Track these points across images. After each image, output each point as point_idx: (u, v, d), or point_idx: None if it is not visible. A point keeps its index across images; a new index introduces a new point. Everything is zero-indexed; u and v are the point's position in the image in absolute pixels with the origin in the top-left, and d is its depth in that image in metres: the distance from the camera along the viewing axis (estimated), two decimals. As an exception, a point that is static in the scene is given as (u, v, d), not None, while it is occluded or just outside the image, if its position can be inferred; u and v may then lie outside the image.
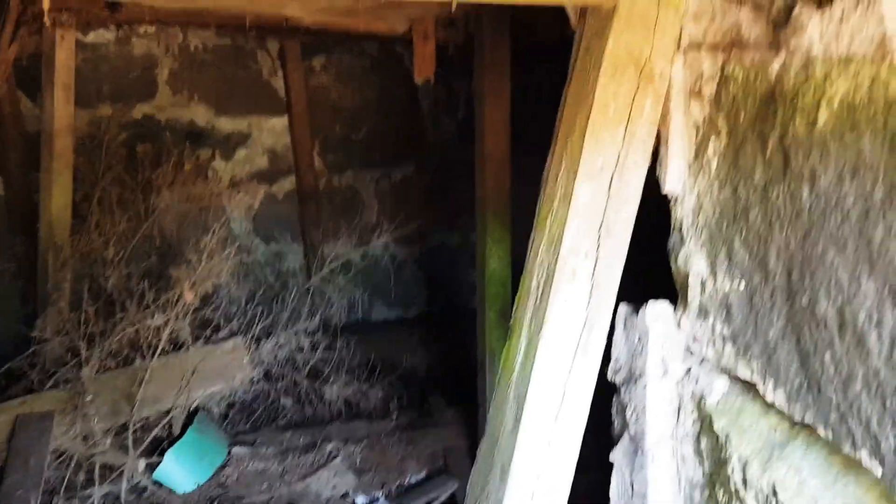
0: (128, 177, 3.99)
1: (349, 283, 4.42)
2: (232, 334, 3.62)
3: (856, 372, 1.22)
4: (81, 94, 4.39)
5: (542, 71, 3.78)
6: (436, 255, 5.54)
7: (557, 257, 1.56)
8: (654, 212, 1.70)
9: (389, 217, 5.02)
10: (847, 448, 1.24)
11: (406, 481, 3.52)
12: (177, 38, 4.71)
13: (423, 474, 3.56)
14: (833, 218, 1.26)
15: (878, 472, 1.18)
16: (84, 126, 4.29)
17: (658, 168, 1.65)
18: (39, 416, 3.23)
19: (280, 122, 5.05)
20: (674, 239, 1.65)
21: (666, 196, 1.66)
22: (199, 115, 4.83)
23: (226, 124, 4.92)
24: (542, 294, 1.61)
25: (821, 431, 1.29)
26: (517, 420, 1.60)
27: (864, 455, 1.21)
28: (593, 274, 1.60)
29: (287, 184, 5.11)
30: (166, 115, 4.72)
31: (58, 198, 3.51)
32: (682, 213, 1.62)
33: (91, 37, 4.49)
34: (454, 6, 1.52)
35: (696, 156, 1.57)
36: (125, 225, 3.62)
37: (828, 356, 1.28)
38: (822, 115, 1.28)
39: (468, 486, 1.79)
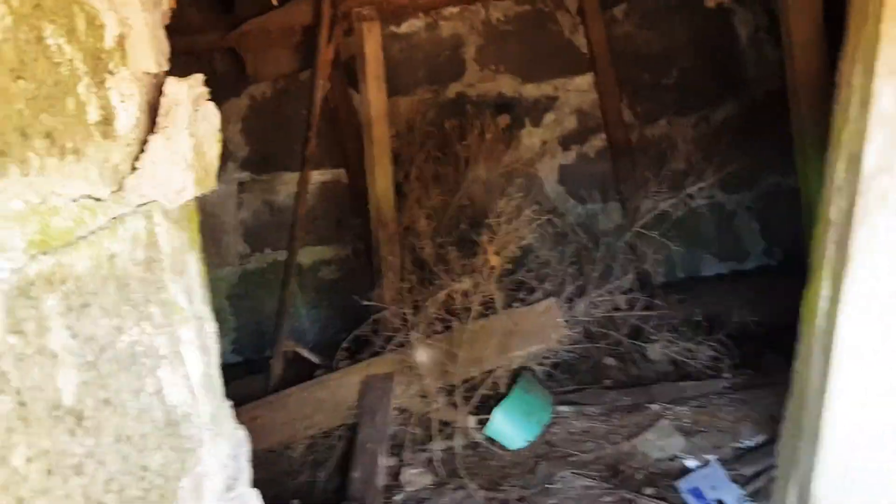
0: (441, 153, 4.23)
1: (669, 236, 4.17)
2: (546, 295, 3.66)
3: None
4: (402, 82, 4.76)
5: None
6: (771, 199, 4.99)
7: (860, 178, 1.26)
8: None
9: (711, 163, 4.62)
10: None
11: (741, 445, 3.24)
12: (479, 13, 4.86)
13: (760, 439, 3.24)
14: None
15: None
16: (405, 111, 4.64)
17: None
18: (382, 377, 3.59)
19: (585, 80, 4.95)
20: None
21: None
22: (506, 85, 4.93)
23: (532, 91, 4.96)
24: (844, 225, 1.31)
25: None
26: (824, 376, 1.34)
27: None
28: (914, 194, 1.26)
29: (597, 141, 5.00)
30: (476, 90, 4.89)
31: (380, 180, 3.83)
32: None
33: (404, 27, 4.83)
34: None
35: None
36: (438, 198, 3.84)
37: None
38: None
39: (778, 449, 1.55)
